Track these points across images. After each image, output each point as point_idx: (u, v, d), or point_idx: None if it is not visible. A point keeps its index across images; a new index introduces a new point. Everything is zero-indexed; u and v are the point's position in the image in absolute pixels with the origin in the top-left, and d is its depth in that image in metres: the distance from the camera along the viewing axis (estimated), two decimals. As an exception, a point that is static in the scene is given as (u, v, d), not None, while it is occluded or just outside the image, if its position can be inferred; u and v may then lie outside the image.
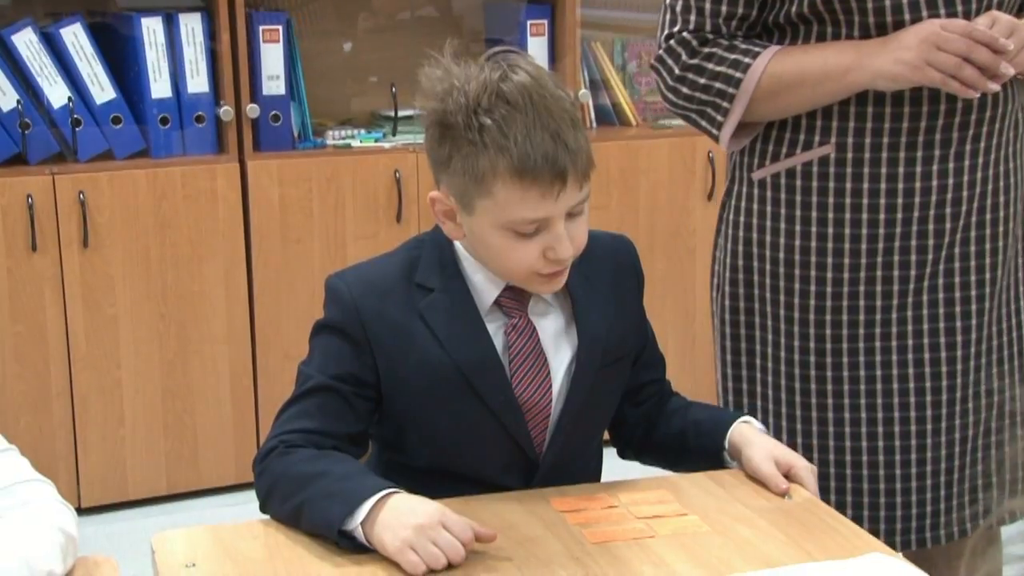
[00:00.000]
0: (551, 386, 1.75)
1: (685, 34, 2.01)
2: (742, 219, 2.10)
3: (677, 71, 2.03)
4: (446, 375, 1.71)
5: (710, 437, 1.84)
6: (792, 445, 2.06)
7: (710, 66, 2.00)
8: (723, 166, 3.84)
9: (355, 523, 1.55)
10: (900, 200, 1.98)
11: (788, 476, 1.75)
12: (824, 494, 2.05)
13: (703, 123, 2.05)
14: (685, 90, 2.03)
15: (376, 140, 3.68)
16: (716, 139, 2.06)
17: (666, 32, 2.04)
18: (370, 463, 1.83)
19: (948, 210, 1.99)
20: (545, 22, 3.76)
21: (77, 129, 3.40)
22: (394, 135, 3.68)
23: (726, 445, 1.82)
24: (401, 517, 1.54)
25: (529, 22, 3.76)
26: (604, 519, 1.67)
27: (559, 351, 1.77)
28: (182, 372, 3.51)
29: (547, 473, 1.78)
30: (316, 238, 3.55)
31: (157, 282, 3.45)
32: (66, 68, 3.42)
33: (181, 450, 3.55)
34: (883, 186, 1.98)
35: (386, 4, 3.96)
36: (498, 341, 1.74)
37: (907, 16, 1.90)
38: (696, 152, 3.83)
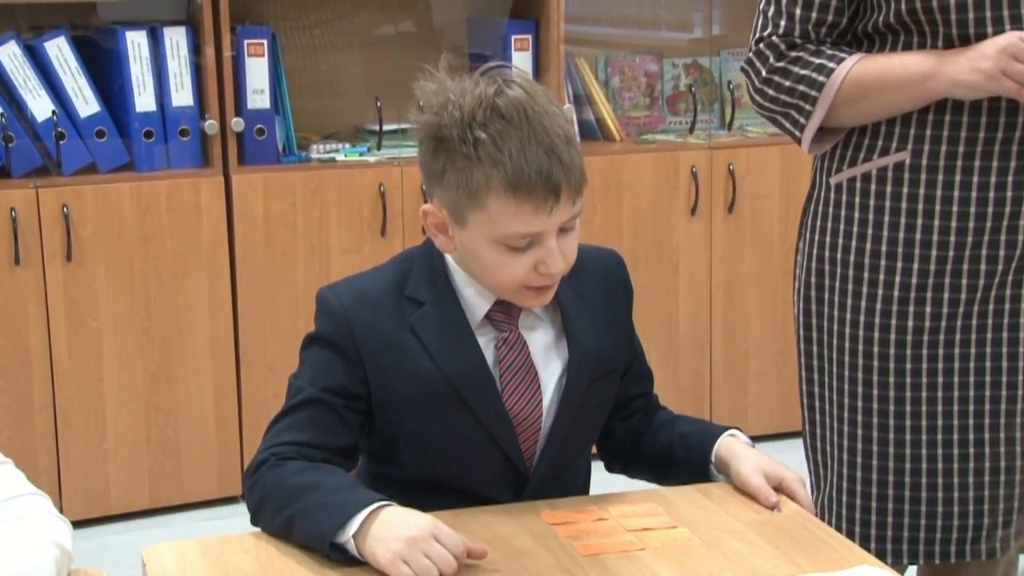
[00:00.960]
0: (541, 399, 1.76)
1: (774, 38, 2.05)
2: (819, 223, 2.13)
3: (764, 74, 2.06)
4: (437, 388, 1.72)
5: (696, 451, 1.85)
6: (852, 450, 2.10)
7: (795, 70, 2.03)
8: (706, 181, 3.87)
9: (347, 536, 1.55)
10: (973, 209, 2.00)
11: (778, 489, 1.76)
12: (877, 501, 2.08)
13: (787, 125, 2.08)
14: (771, 92, 2.07)
15: (361, 154, 3.68)
16: (799, 142, 2.09)
17: (756, 36, 2.08)
18: (359, 475, 1.84)
19: (1021, 222, 2.00)
20: (529, 37, 3.77)
21: (61, 142, 3.39)
22: (379, 149, 3.68)
23: (712, 459, 1.83)
24: (393, 530, 1.54)
25: (513, 37, 3.76)
26: (594, 532, 1.67)
27: (549, 364, 1.77)
28: (165, 386, 3.50)
29: (537, 486, 1.78)
30: (300, 252, 3.55)
31: (141, 296, 3.44)
32: (50, 81, 3.41)
33: (164, 464, 3.53)
34: (956, 194, 2.00)
35: (370, 19, 3.96)
36: (488, 355, 1.74)
37: (990, 30, 1.92)
38: (680, 167, 3.84)
